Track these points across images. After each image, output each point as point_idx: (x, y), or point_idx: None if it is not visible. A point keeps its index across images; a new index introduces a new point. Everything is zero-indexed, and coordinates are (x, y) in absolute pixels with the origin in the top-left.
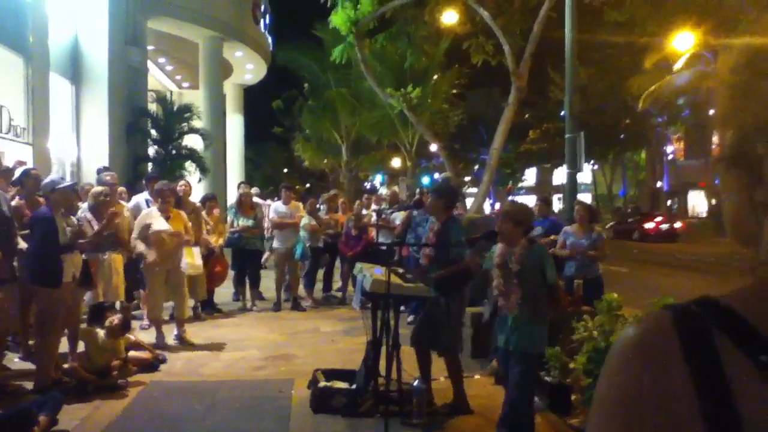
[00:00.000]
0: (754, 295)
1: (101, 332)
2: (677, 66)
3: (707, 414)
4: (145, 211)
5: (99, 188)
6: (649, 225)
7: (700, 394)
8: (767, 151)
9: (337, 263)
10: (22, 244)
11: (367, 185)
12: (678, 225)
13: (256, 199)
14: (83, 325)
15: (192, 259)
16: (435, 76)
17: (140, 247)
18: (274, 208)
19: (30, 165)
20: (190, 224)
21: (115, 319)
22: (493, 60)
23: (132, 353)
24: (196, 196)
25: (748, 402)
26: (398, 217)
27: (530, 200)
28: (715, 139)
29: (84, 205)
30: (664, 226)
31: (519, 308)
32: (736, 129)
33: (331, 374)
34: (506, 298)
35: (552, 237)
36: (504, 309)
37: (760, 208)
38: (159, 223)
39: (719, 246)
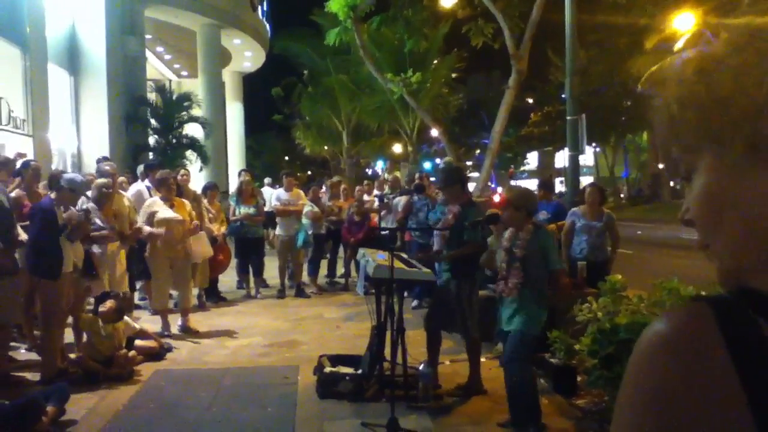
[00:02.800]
0: None
1: (101, 320)
2: (677, 46)
3: (758, 407)
4: (149, 200)
5: (102, 180)
6: None
7: (750, 387)
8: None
9: (341, 250)
10: (23, 236)
11: (369, 171)
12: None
13: (267, 189)
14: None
15: (202, 247)
16: (435, 61)
17: (148, 228)
18: (276, 196)
19: (30, 156)
20: (194, 212)
21: (108, 303)
22: (495, 43)
23: (138, 342)
24: (198, 184)
25: None
26: (400, 203)
27: (532, 184)
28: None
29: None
30: None
31: (520, 292)
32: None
33: (336, 360)
34: (505, 282)
35: (560, 223)
36: (503, 292)
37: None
38: (163, 212)
39: None
